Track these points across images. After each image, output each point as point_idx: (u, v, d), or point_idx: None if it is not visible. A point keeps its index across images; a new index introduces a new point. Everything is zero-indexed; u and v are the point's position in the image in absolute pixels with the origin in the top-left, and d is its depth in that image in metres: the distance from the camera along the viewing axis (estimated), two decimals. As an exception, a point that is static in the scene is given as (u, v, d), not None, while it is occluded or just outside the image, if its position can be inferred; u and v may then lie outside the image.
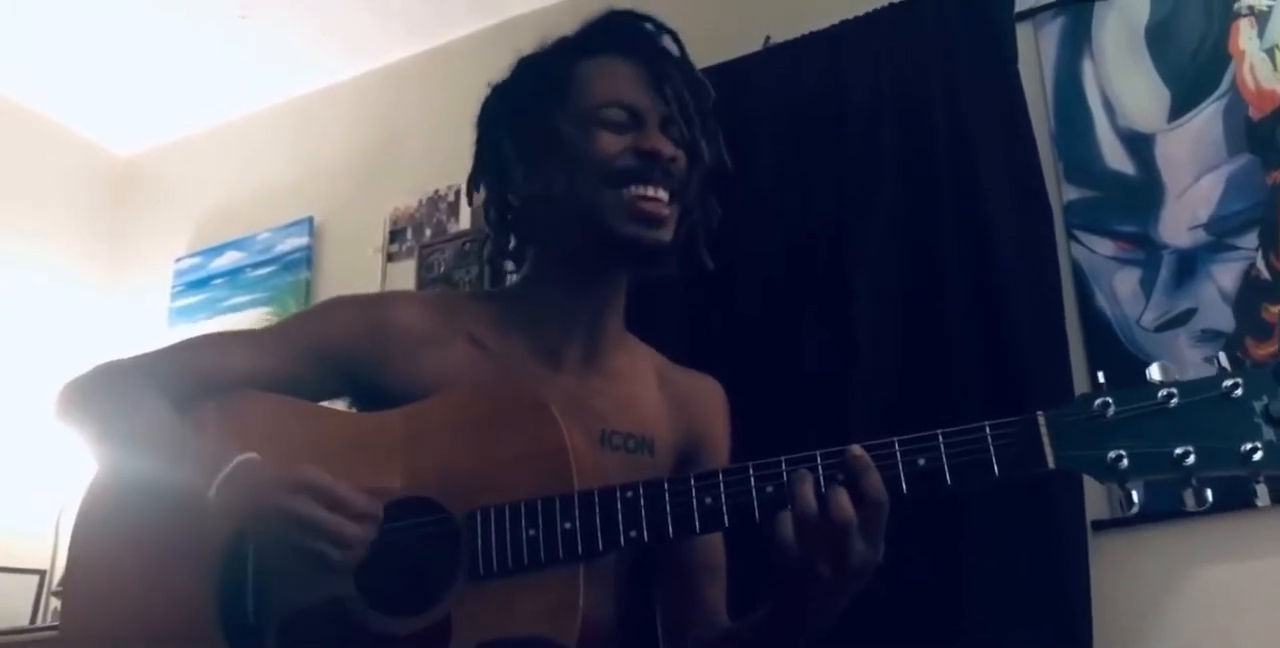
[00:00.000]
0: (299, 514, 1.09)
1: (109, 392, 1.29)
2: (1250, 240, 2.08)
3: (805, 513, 1.06)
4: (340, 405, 1.38)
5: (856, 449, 1.07)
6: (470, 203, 1.48)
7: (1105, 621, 1.93)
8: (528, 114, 1.35)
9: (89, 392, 1.31)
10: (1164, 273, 2.14)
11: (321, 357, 1.33)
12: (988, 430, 1.05)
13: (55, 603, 3.00)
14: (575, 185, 1.29)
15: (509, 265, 1.45)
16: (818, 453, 1.10)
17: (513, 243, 1.42)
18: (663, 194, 1.29)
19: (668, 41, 1.39)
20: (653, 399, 1.40)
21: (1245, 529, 1.92)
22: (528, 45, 1.45)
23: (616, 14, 1.40)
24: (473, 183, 1.44)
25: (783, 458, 1.10)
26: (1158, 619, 1.96)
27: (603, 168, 1.28)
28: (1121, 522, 1.99)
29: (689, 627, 1.37)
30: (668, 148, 1.30)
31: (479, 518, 1.15)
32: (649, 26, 1.39)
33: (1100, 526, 2.00)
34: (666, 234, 1.31)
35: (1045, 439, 1.04)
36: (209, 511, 1.16)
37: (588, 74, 1.34)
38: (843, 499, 1.05)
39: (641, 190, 1.28)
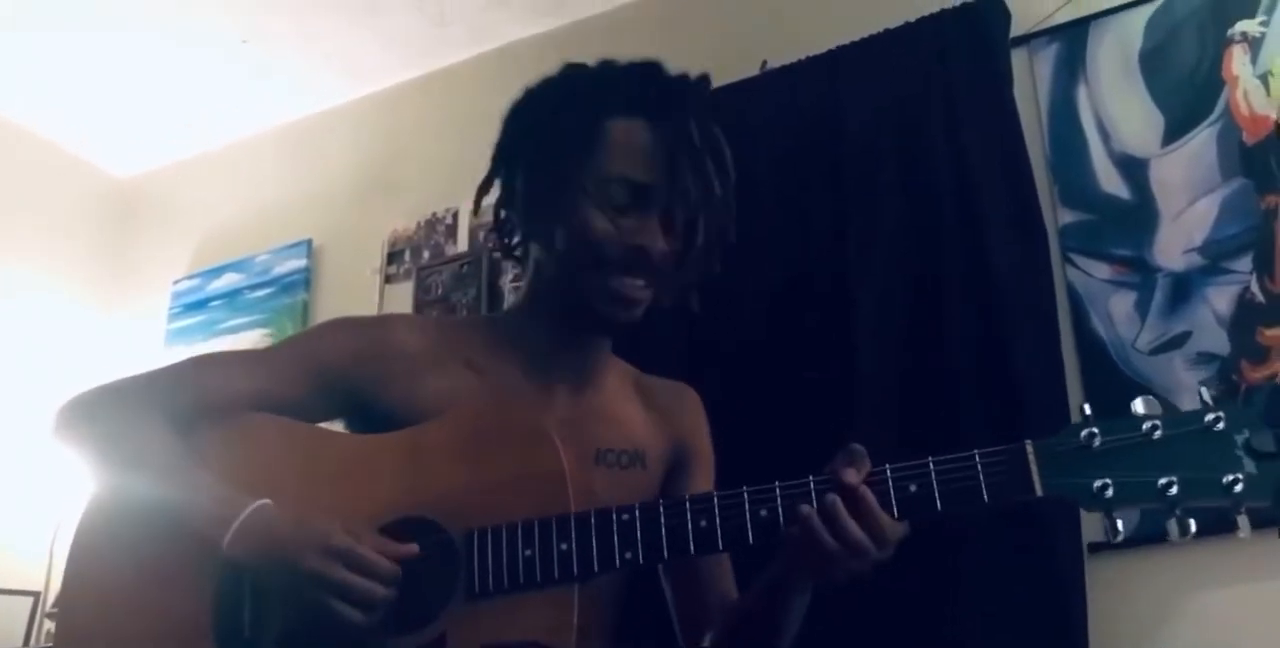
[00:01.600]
0: (328, 580, 1.13)
1: (111, 414, 1.30)
2: (1244, 264, 2.09)
3: (825, 547, 1.10)
4: (338, 427, 1.39)
5: (862, 490, 1.11)
6: (475, 210, 1.47)
7: (1101, 643, 1.93)
8: (547, 159, 1.32)
9: (90, 413, 1.31)
10: (1159, 296, 2.14)
11: (321, 377, 1.34)
12: (978, 458, 1.09)
13: (49, 625, 2.98)
14: (563, 256, 1.31)
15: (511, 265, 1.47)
16: (810, 479, 1.13)
17: (513, 241, 1.44)
18: (641, 285, 1.30)
19: (700, 101, 1.35)
20: (638, 414, 1.43)
21: (1241, 554, 1.91)
22: (525, 71, 1.44)
23: (656, 69, 1.36)
24: (485, 186, 1.43)
25: (776, 483, 1.14)
26: (1154, 642, 1.96)
27: (592, 252, 1.28)
28: (1117, 544, 1.99)
29: (705, 618, 1.38)
30: (658, 245, 1.28)
31: (476, 538, 1.17)
32: (687, 87, 1.34)
33: (1096, 548, 1.99)
34: (639, 313, 1.32)
35: (1034, 467, 1.08)
36: (222, 558, 1.18)
37: (611, 138, 1.30)
38: (855, 532, 1.10)
39: (618, 283, 1.29)
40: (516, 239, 1.43)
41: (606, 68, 1.39)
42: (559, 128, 1.33)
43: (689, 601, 1.42)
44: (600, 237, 1.28)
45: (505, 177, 1.40)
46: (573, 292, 1.31)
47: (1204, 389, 1.09)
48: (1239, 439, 1.03)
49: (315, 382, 1.34)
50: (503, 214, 1.41)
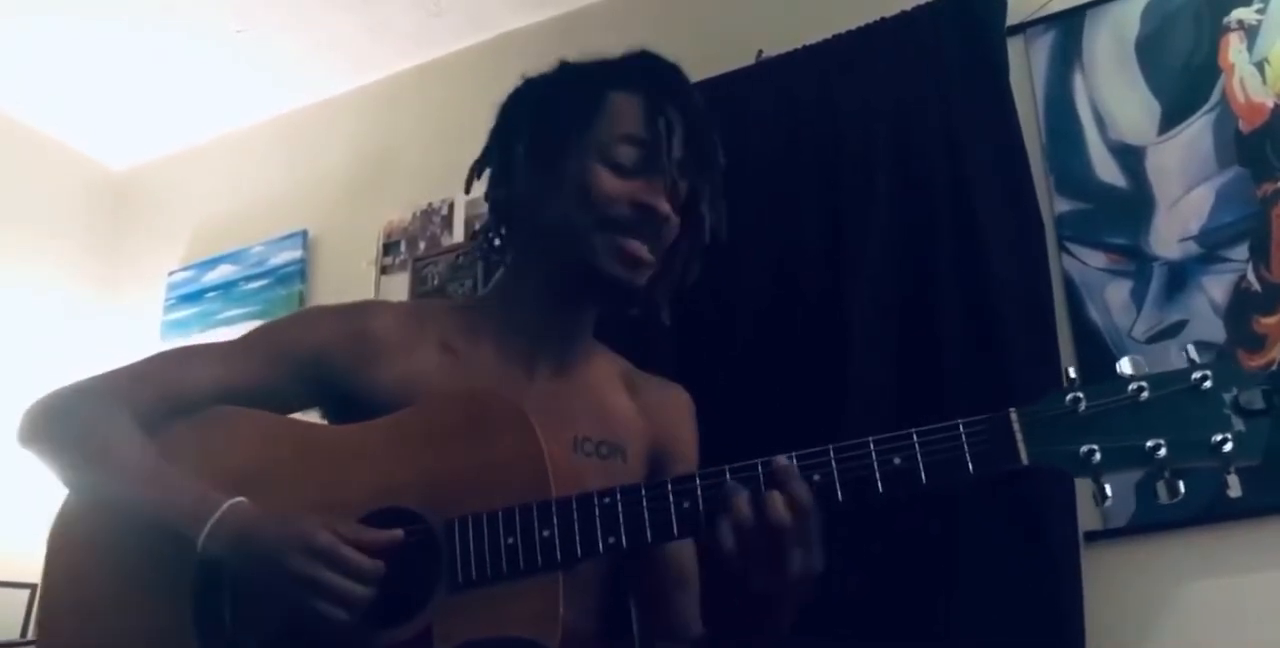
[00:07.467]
0: (311, 580, 1.11)
1: (76, 417, 1.29)
2: (1240, 252, 2.09)
3: (743, 521, 1.07)
4: (313, 417, 1.38)
5: (782, 460, 1.09)
6: (467, 191, 1.47)
7: (1098, 632, 1.92)
8: (551, 126, 1.35)
9: (56, 417, 1.31)
10: (1155, 285, 2.14)
11: (297, 365, 1.33)
12: (961, 428, 1.06)
13: (46, 617, 2.98)
14: (569, 217, 1.31)
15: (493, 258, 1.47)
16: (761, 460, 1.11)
17: (497, 240, 1.44)
18: (647, 249, 1.32)
19: (691, 86, 1.40)
20: (623, 406, 1.42)
21: (1237, 542, 1.93)
22: (521, 60, 1.46)
23: (658, 58, 1.41)
24: (477, 168, 1.45)
25: (758, 461, 1.11)
26: (1150, 631, 1.96)
27: (599, 211, 1.30)
28: (1114, 533, 1.99)
29: (661, 636, 1.37)
30: (664, 206, 1.31)
31: (457, 527, 1.16)
32: (679, 71, 1.40)
33: (1093, 537, 2.00)
34: (643, 278, 1.34)
35: (1018, 436, 1.06)
36: (198, 555, 1.17)
37: (614, 105, 1.34)
38: (779, 505, 1.06)
39: (627, 242, 1.30)
40: (499, 236, 1.43)
41: (602, 57, 1.41)
42: (562, 97, 1.37)
43: (652, 626, 1.40)
44: (608, 194, 1.30)
45: (503, 151, 1.41)
46: (578, 254, 1.31)
47: (1190, 346, 1.07)
48: (1227, 397, 1.01)
49: (290, 370, 1.33)
50: (495, 195, 1.41)
